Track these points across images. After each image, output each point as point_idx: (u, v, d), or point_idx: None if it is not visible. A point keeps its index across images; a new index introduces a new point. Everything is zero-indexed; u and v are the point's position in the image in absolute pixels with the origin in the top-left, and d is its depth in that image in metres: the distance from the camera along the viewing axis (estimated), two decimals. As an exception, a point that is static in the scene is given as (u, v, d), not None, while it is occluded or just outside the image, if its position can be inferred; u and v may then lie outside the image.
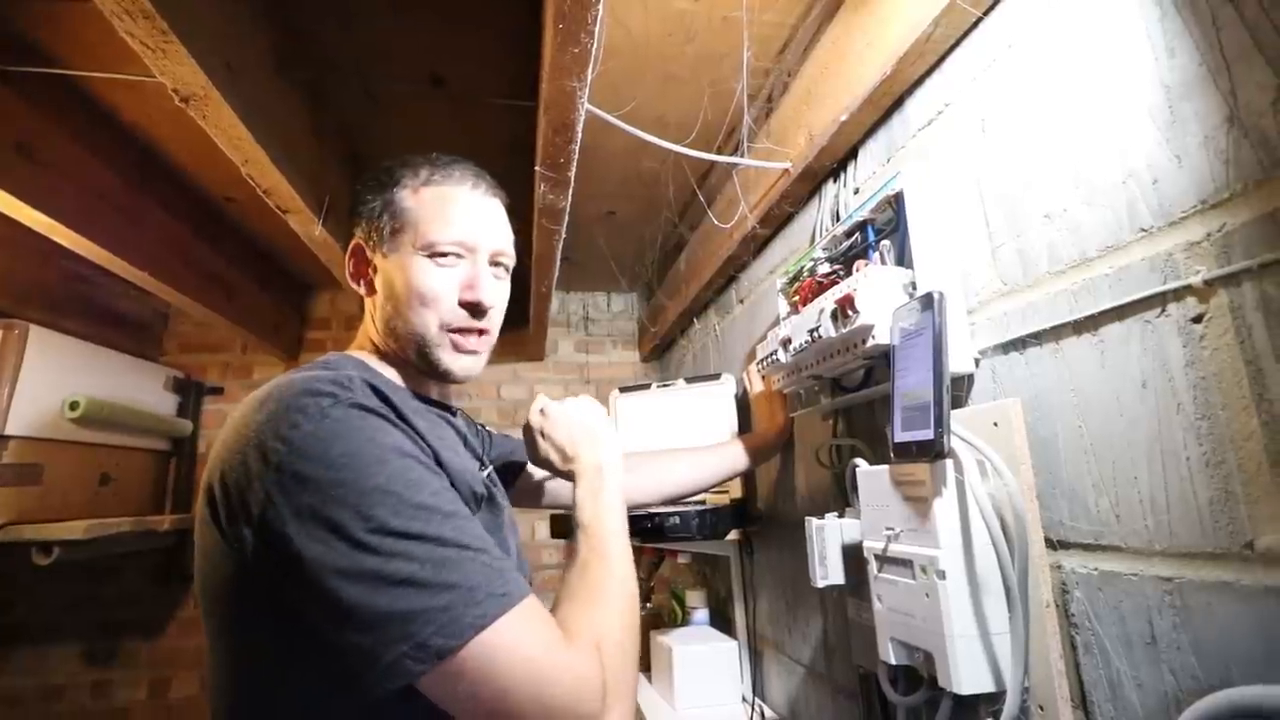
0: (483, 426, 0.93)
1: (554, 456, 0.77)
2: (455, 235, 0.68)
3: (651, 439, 1.53)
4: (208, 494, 0.54)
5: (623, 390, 1.76)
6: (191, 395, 2.30)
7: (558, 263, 1.49)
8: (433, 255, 0.67)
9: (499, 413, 2.57)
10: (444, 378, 0.70)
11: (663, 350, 2.52)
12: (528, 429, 0.80)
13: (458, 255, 0.68)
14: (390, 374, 0.69)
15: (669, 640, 1.45)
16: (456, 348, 0.68)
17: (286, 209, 1.24)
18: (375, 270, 0.70)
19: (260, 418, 0.54)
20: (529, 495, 1.00)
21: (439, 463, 0.59)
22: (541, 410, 0.79)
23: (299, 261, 2.22)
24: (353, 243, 0.72)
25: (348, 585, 0.48)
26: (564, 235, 1.30)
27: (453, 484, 0.59)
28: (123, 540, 1.73)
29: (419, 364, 0.69)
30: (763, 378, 1.22)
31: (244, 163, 1.07)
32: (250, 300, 2.09)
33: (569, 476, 0.75)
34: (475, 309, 0.68)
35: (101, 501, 1.82)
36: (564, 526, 1.48)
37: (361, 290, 0.72)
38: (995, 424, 0.66)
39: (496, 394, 2.59)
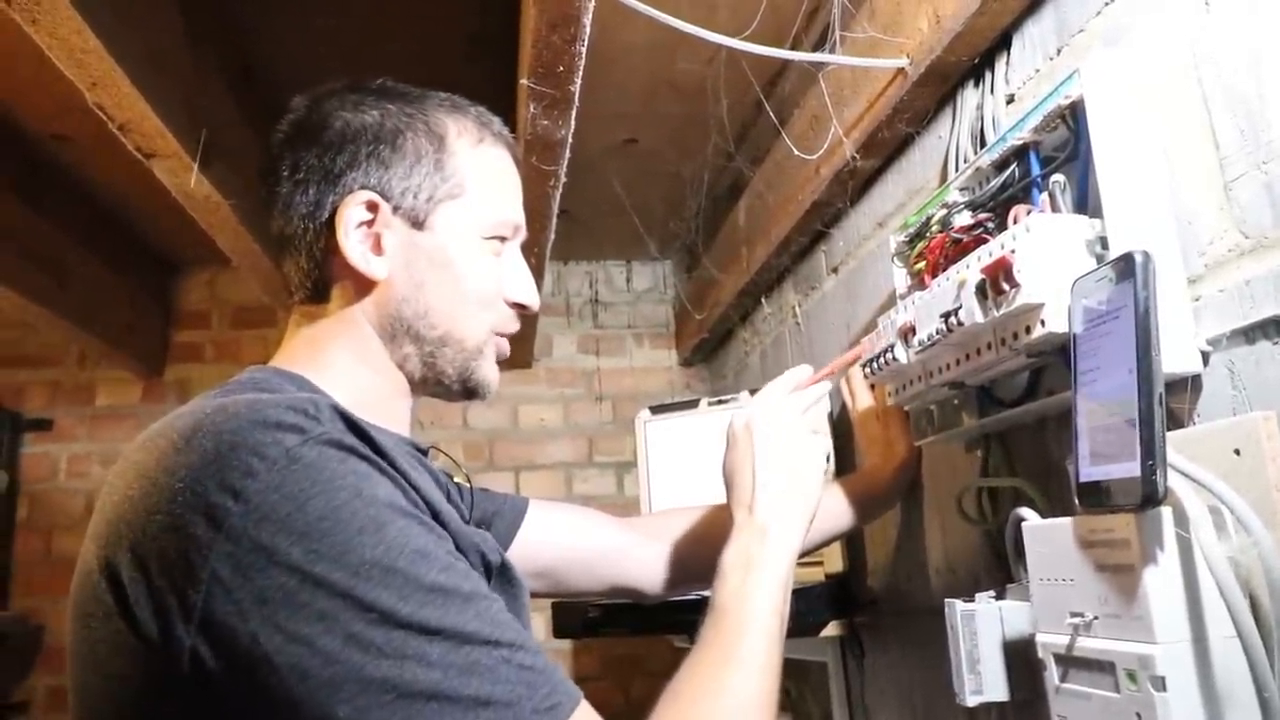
0: (454, 475, 0.95)
1: (725, 482, 0.90)
2: (516, 216, 0.80)
3: (699, 485, 1.54)
4: (107, 575, 0.57)
5: (655, 411, 1.79)
6: (4, 432, 2.38)
7: (554, 220, 1.52)
8: (490, 239, 0.77)
9: (466, 448, 2.61)
10: (470, 395, 0.79)
11: (713, 348, 2.54)
12: (731, 425, 0.92)
13: (503, 240, 0.79)
14: (342, 395, 0.71)
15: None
16: (497, 358, 0.80)
17: (152, 152, 1.29)
18: (398, 243, 0.74)
19: (191, 460, 0.56)
20: (523, 576, 1.02)
21: (438, 520, 0.63)
22: (748, 421, 0.90)
23: (163, 229, 2.28)
24: (360, 194, 0.72)
25: (343, 703, 0.51)
26: (563, 178, 1.33)
27: (458, 548, 0.62)
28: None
29: (432, 376, 0.77)
30: (871, 388, 1.23)
31: (91, 86, 1.12)
32: (91, 287, 2.16)
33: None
34: (524, 310, 0.80)
35: None
36: (575, 622, 1.50)
37: (368, 267, 0.72)
38: (1237, 451, 0.66)
39: (462, 421, 2.63)
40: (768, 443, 0.88)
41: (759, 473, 0.86)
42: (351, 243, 0.72)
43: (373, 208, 0.73)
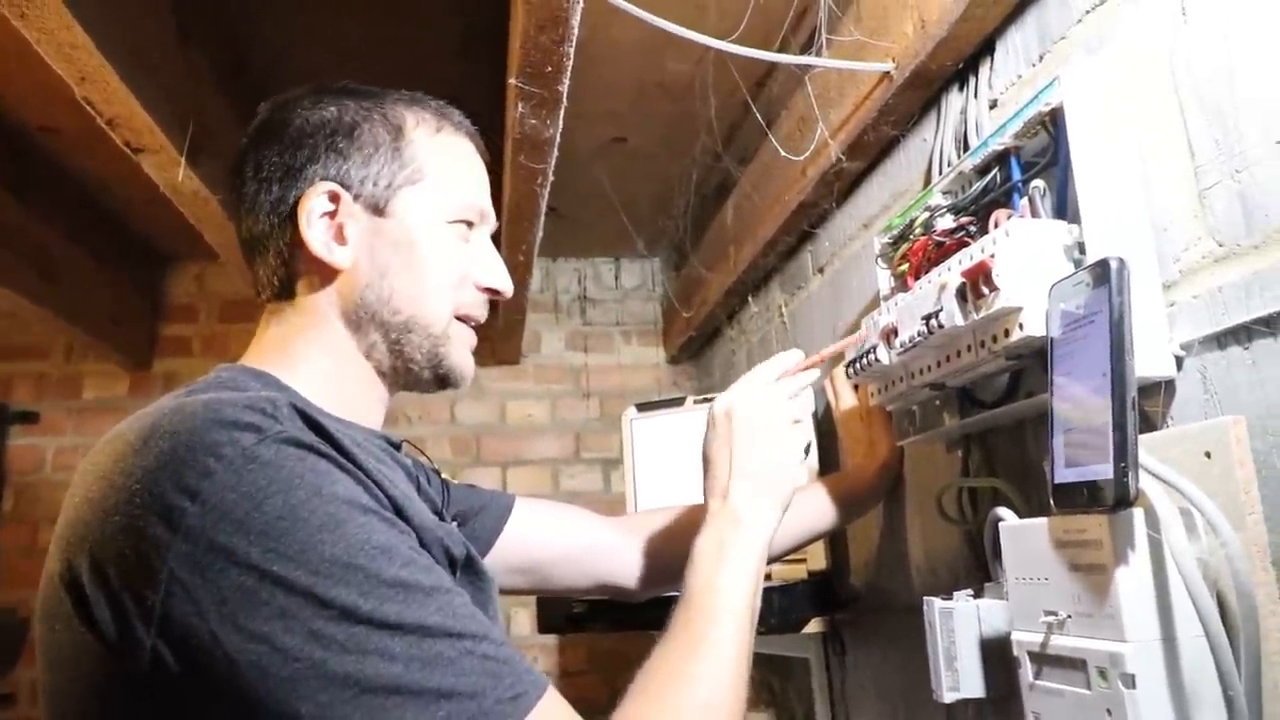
0: (435, 470, 0.96)
1: (703, 467, 0.89)
2: (481, 201, 0.80)
3: (685, 483, 1.55)
4: (67, 580, 0.57)
5: (641, 409, 1.79)
6: (-8, 425, 2.37)
7: (542, 217, 1.52)
8: (454, 223, 0.78)
9: (454, 444, 2.61)
10: (442, 383, 0.79)
11: (700, 346, 2.54)
12: (712, 409, 0.91)
13: (470, 226, 0.79)
14: (312, 391, 0.72)
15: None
16: (466, 343, 0.79)
17: (140, 146, 1.29)
18: (360, 231, 0.74)
19: (147, 462, 0.56)
20: (509, 572, 1.02)
21: (401, 516, 0.63)
22: (729, 406, 0.89)
23: (151, 223, 2.27)
24: (321, 185, 0.74)
25: (304, 700, 0.51)
26: (551, 176, 1.33)
27: (421, 543, 0.63)
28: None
29: (401, 364, 0.77)
30: (855, 388, 1.24)
31: (80, 81, 1.12)
32: (78, 280, 2.15)
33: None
34: (496, 295, 0.81)
35: None
36: (559, 617, 1.51)
37: (331, 256, 0.73)
38: (1207, 454, 0.67)
39: (449, 416, 2.63)
40: (748, 430, 0.87)
41: (736, 460, 0.85)
42: (315, 233, 0.73)
43: (334, 198, 0.74)
